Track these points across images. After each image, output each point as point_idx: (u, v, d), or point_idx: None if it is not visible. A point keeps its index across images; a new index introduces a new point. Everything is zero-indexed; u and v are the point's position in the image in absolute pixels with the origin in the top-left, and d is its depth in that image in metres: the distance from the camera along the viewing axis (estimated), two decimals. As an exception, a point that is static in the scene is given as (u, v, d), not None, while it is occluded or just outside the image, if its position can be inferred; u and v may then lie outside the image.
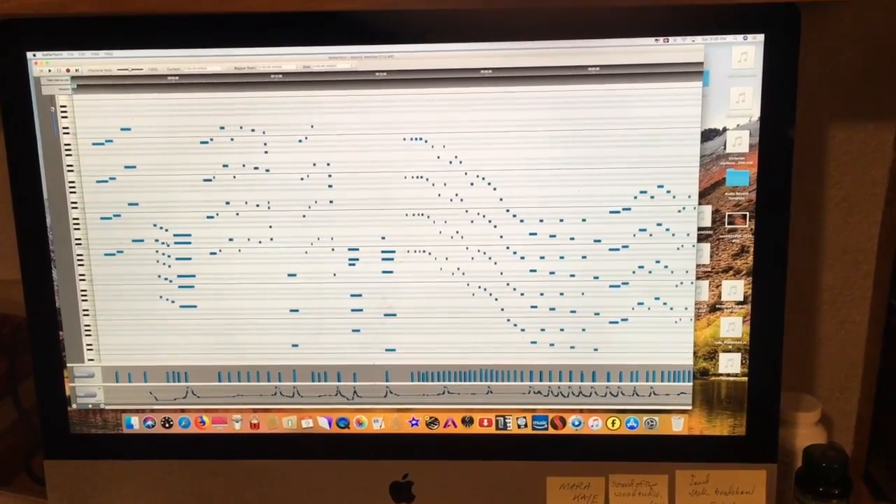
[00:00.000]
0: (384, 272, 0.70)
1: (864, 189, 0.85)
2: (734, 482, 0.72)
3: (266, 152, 0.69)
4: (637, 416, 0.72)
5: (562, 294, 0.70)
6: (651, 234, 0.68)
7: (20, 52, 0.68)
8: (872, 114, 0.83)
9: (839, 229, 0.86)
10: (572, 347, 0.71)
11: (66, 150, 0.70)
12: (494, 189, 0.68)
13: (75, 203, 0.71)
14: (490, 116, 0.67)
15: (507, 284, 0.70)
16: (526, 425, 0.73)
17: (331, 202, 0.69)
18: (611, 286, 0.70)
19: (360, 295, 0.71)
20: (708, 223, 0.68)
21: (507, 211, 0.69)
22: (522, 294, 0.70)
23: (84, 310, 0.72)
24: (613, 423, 0.73)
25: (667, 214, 0.68)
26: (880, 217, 0.86)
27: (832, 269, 0.87)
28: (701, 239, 0.68)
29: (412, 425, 0.74)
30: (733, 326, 0.70)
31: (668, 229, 0.68)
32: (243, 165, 0.69)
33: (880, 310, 0.86)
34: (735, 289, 0.69)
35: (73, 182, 0.70)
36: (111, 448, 0.75)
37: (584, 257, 0.69)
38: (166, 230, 0.71)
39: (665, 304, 0.70)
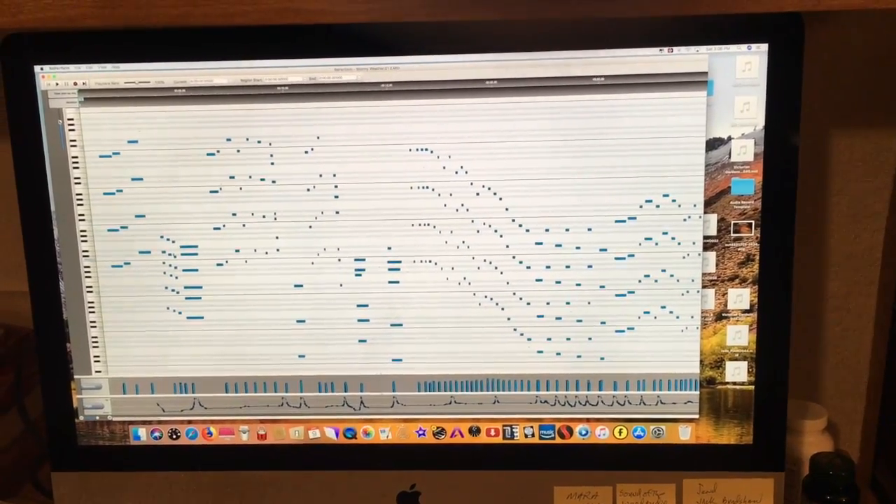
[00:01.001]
0: (390, 282, 0.70)
1: (868, 197, 0.85)
2: (742, 491, 0.72)
3: (272, 164, 0.69)
4: (644, 425, 0.72)
5: (568, 303, 0.70)
6: (657, 243, 0.69)
7: (28, 65, 0.69)
8: (876, 122, 0.83)
9: (843, 237, 0.86)
10: (579, 356, 0.71)
11: (74, 162, 0.70)
12: (500, 199, 0.68)
13: (83, 215, 0.71)
14: (495, 127, 0.67)
15: (514, 294, 0.70)
16: (533, 435, 0.73)
17: (337, 213, 0.69)
18: (617, 295, 0.70)
19: (366, 305, 0.71)
20: (713, 232, 0.68)
21: (513, 221, 0.69)
22: (529, 303, 0.70)
23: (91, 321, 0.73)
24: (620, 432, 0.73)
25: (672, 223, 0.68)
26: (885, 224, 0.86)
27: (837, 277, 0.87)
28: (706, 248, 0.69)
29: (419, 435, 0.74)
30: (739, 335, 0.70)
31: (673, 238, 0.68)
32: (250, 177, 0.69)
33: (885, 316, 0.86)
34: (741, 297, 0.69)
35: (80, 194, 0.71)
36: (118, 460, 0.75)
37: (589, 266, 0.69)
38: (173, 242, 0.71)
39: (671, 312, 0.70)
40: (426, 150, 0.68)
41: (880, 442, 0.88)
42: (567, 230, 0.69)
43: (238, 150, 0.69)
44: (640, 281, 0.69)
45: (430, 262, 0.70)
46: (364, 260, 0.70)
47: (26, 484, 0.86)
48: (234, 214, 0.70)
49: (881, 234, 0.86)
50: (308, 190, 0.69)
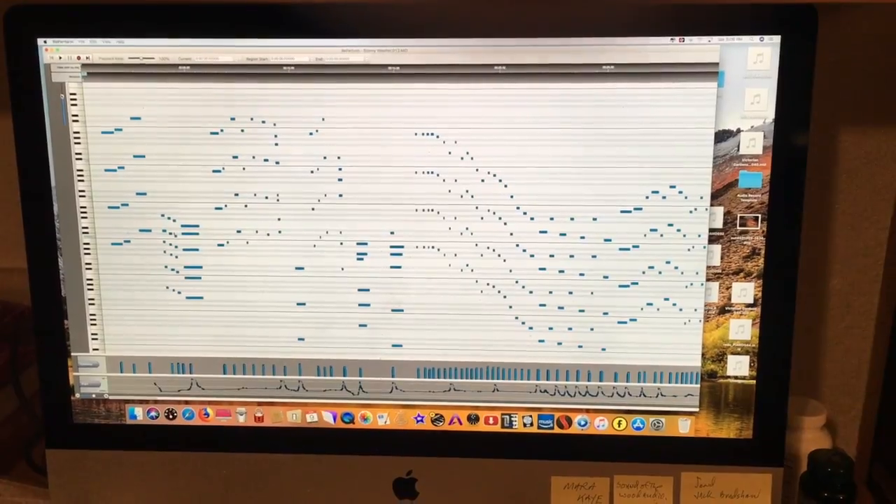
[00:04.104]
0: (392, 267, 0.70)
1: (873, 193, 0.85)
2: (740, 485, 0.72)
3: (276, 144, 0.68)
4: (643, 416, 0.72)
5: (571, 293, 0.70)
6: (662, 235, 0.68)
7: (31, 38, 0.68)
8: (884, 118, 0.83)
9: (848, 234, 0.86)
10: (580, 347, 0.71)
11: (75, 138, 0.69)
12: (505, 186, 0.68)
13: (83, 191, 0.70)
14: (502, 113, 0.67)
15: (517, 282, 0.70)
16: (532, 424, 0.73)
17: (340, 196, 0.69)
18: (620, 286, 0.69)
19: (367, 290, 0.71)
20: (719, 224, 0.68)
21: (518, 208, 0.68)
22: (531, 292, 0.70)
23: (90, 299, 0.72)
24: (620, 423, 0.72)
25: (678, 215, 0.68)
26: (889, 222, 0.85)
27: (840, 274, 0.87)
28: (712, 240, 0.68)
29: (417, 422, 0.73)
30: (742, 329, 0.69)
31: (679, 230, 0.68)
32: (253, 157, 0.69)
33: (887, 315, 0.86)
34: (745, 291, 0.69)
35: (81, 170, 0.70)
36: (114, 438, 0.75)
37: (594, 256, 0.69)
38: (174, 220, 0.70)
39: (674, 304, 0.69)
40: (432, 134, 0.67)
41: (878, 441, 0.88)
42: (572, 219, 0.68)
43: (242, 130, 0.68)
44: (644, 272, 0.69)
45: (432, 248, 0.69)
46: (366, 244, 0.70)
47: (20, 461, 0.86)
48: (236, 195, 0.69)
49: (885, 232, 0.86)
50: (312, 172, 0.69)
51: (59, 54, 0.68)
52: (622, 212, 0.68)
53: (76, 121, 0.69)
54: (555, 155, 0.67)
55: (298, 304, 0.71)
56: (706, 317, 0.69)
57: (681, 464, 0.72)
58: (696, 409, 0.71)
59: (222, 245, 0.70)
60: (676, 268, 0.69)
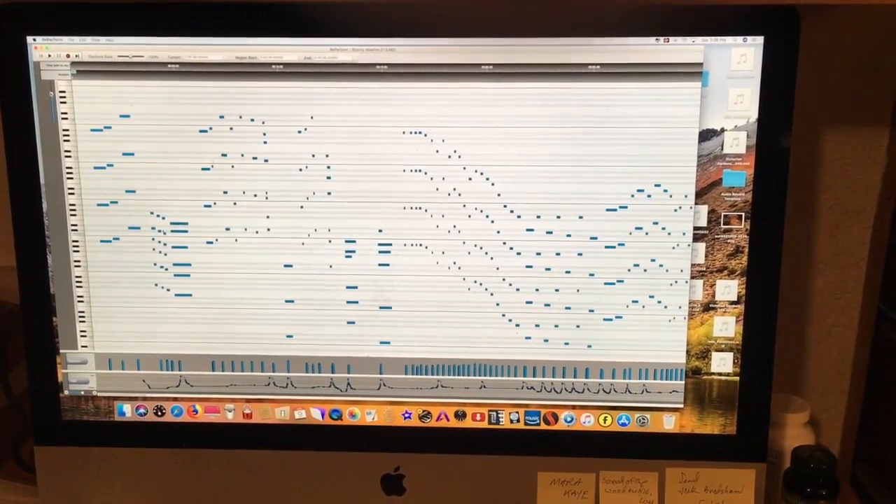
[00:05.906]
0: (380, 265, 0.70)
1: (856, 194, 0.86)
2: (723, 481, 0.73)
3: (265, 142, 0.69)
4: (629, 413, 0.73)
5: (557, 290, 0.70)
6: (647, 233, 0.69)
7: (20, 36, 0.68)
8: (866, 119, 0.84)
9: (831, 234, 0.87)
10: (566, 344, 0.71)
11: (65, 135, 0.69)
12: (492, 184, 0.68)
13: (72, 189, 0.70)
14: (490, 112, 0.67)
15: (503, 280, 0.70)
16: (518, 420, 0.73)
17: (329, 194, 0.69)
18: (606, 283, 0.70)
19: (355, 287, 0.71)
20: (704, 223, 0.69)
21: (505, 206, 0.69)
22: (518, 289, 0.70)
23: (78, 296, 0.72)
24: (605, 419, 0.73)
25: (663, 213, 0.68)
26: (872, 222, 0.86)
27: (823, 274, 0.88)
28: (696, 238, 0.69)
29: (405, 418, 0.74)
30: (726, 326, 0.70)
31: (664, 228, 0.69)
32: (242, 155, 0.69)
33: (870, 314, 0.87)
34: (729, 288, 0.69)
35: (70, 168, 0.70)
36: (102, 435, 0.75)
37: (579, 254, 0.69)
38: (163, 218, 0.70)
39: (659, 302, 0.70)
40: (420, 133, 0.68)
41: (861, 438, 0.89)
42: (558, 217, 0.69)
43: (231, 128, 0.69)
44: (629, 270, 0.70)
45: (420, 245, 0.70)
46: (355, 242, 0.70)
47: (8, 459, 0.86)
48: (225, 192, 0.70)
49: (868, 232, 0.87)
50: (300, 170, 0.69)
51: (48, 52, 0.68)
52: (608, 210, 0.69)
53: (65, 118, 0.69)
54: (541, 154, 0.68)
55: (287, 301, 0.71)
56: (691, 314, 0.70)
57: (665, 459, 0.73)
58: (681, 406, 0.72)
59: (211, 242, 0.71)
60: (661, 266, 0.69)
